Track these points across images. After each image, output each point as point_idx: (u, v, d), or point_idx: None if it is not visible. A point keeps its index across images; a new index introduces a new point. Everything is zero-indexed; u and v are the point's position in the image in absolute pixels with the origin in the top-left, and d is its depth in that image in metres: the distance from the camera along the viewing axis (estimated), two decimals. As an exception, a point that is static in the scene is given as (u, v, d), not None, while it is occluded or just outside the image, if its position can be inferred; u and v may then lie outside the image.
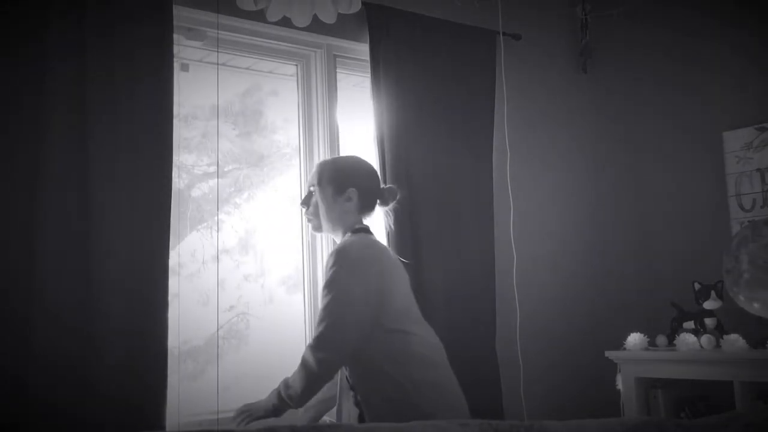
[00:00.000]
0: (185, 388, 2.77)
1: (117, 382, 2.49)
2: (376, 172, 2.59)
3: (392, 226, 2.67)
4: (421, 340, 2.35)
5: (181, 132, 2.79)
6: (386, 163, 3.20)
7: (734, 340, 3.02)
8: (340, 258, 2.31)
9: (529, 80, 3.83)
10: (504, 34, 3.59)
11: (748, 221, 3.31)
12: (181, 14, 2.84)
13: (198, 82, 3.05)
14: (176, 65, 2.78)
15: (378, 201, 2.52)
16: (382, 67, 3.24)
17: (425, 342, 2.36)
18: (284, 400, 2.33)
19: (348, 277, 2.28)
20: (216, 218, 2.96)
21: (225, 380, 2.94)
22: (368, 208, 2.50)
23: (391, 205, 2.56)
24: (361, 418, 2.30)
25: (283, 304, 3.20)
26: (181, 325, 2.74)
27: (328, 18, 2.49)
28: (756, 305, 2.95)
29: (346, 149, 3.31)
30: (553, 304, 3.76)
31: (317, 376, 2.28)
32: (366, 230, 2.46)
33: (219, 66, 3.13)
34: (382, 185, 2.59)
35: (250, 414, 2.40)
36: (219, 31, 3.04)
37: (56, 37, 2.53)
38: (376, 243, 2.47)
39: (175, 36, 2.77)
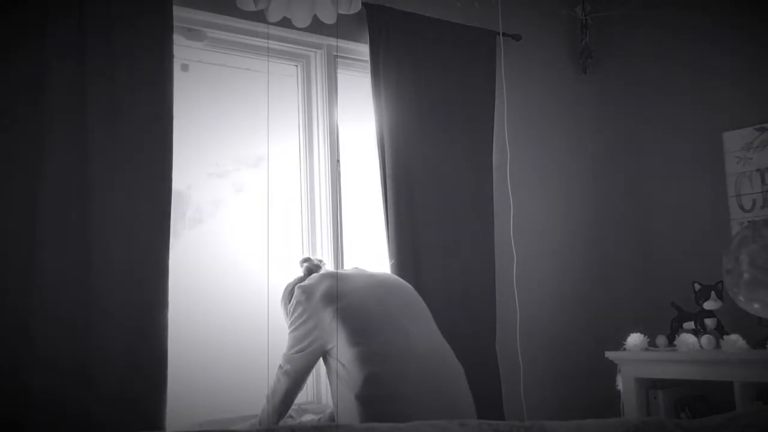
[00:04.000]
0: (185, 389, 2.77)
1: (117, 382, 2.50)
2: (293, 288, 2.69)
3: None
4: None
5: (181, 132, 2.79)
6: (386, 163, 3.20)
7: (734, 341, 3.02)
8: None
9: (529, 81, 3.83)
10: (504, 34, 3.59)
11: (748, 222, 3.31)
12: (181, 14, 2.84)
13: (198, 83, 3.05)
14: (176, 65, 2.78)
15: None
16: (382, 67, 3.24)
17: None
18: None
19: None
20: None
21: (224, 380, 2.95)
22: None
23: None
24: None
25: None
26: (181, 325, 2.75)
27: (328, 18, 2.49)
28: (756, 306, 2.95)
29: (346, 149, 3.31)
30: (553, 304, 3.76)
31: None
32: None
33: (216, 66, 3.15)
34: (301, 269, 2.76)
35: None
36: (218, 32, 3.05)
37: (56, 37, 2.53)
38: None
39: (175, 36, 2.78)
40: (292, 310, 2.57)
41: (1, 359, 2.36)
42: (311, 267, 2.75)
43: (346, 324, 2.44)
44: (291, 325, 2.56)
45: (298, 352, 2.51)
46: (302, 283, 2.61)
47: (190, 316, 2.85)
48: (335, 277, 2.59)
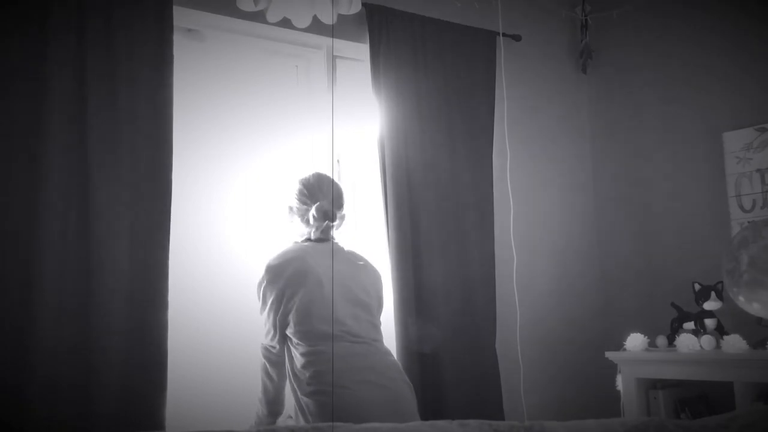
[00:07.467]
0: (185, 389, 2.78)
1: (117, 382, 2.50)
2: (309, 192, 2.68)
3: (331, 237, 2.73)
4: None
5: (180, 132, 2.79)
6: (386, 163, 3.20)
7: (734, 341, 3.02)
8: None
9: (529, 81, 3.83)
10: (504, 34, 3.59)
11: (748, 222, 3.31)
12: (181, 15, 2.84)
13: (198, 83, 3.05)
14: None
15: (313, 218, 2.66)
16: (382, 68, 3.25)
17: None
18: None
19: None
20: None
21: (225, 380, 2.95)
22: (307, 224, 2.67)
23: (325, 224, 2.65)
24: None
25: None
26: (181, 325, 2.75)
27: (328, 18, 2.49)
28: (756, 306, 2.95)
29: (346, 149, 3.31)
30: (553, 304, 3.76)
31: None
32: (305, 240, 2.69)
33: (216, 66, 3.14)
34: (312, 208, 2.66)
35: None
36: (218, 32, 3.05)
37: (56, 37, 2.53)
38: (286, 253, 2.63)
39: (175, 36, 2.78)
40: (259, 291, 2.59)
41: (1, 359, 2.36)
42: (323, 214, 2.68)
43: (299, 322, 2.51)
44: (261, 307, 2.59)
45: (266, 336, 2.58)
46: (271, 262, 2.61)
47: (190, 316, 2.85)
48: (301, 259, 2.58)
